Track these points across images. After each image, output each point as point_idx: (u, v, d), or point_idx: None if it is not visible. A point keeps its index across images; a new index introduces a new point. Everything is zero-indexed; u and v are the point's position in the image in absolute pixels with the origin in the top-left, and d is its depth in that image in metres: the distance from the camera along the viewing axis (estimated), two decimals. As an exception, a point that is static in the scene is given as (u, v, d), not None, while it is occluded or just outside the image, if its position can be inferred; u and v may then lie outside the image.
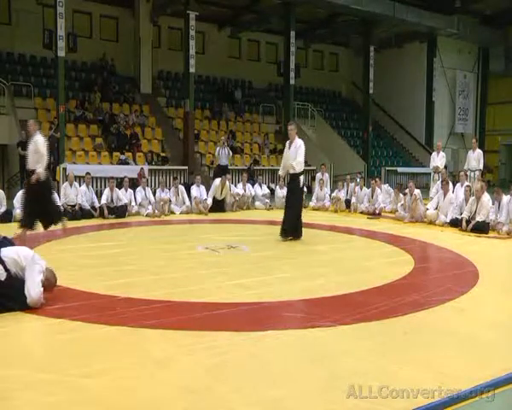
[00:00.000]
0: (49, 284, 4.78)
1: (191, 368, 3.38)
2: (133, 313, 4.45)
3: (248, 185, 14.33)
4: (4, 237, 7.27)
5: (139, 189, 12.63)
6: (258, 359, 3.54)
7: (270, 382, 3.19)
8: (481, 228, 9.69)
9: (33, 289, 4.44)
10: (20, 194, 11.24)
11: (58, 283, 5.40)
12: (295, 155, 8.55)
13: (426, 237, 9.22)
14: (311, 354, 3.66)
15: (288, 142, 8.89)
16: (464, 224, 9.99)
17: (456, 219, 10.49)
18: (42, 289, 4.54)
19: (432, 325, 4.33)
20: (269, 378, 3.24)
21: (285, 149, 8.97)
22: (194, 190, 12.99)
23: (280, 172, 9.29)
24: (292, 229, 8.57)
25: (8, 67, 18.41)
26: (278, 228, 8.74)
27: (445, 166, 14.75)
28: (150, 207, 12.21)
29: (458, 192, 11.76)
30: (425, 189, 15.84)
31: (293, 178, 8.67)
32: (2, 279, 4.41)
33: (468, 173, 13.86)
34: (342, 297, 5.16)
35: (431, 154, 15.66)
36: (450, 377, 3.24)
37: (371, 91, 22.03)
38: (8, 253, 4.60)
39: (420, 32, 23.30)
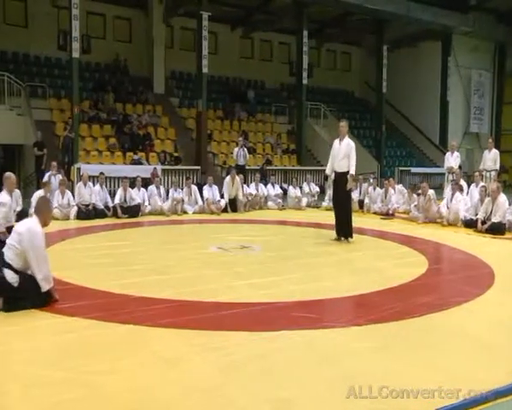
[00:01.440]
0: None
1: (202, 368, 3.39)
2: (145, 313, 4.47)
3: (261, 185, 14.33)
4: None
5: (152, 187, 12.72)
6: (270, 359, 3.53)
7: (281, 382, 3.18)
8: (497, 229, 9.57)
9: (39, 272, 4.49)
10: (36, 194, 11.39)
11: (72, 281, 5.47)
12: (345, 154, 8.40)
13: (440, 238, 9.14)
14: (322, 355, 3.64)
15: (337, 139, 8.72)
16: (480, 224, 9.87)
17: (471, 219, 10.38)
18: (48, 265, 4.61)
19: (445, 327, 4.28)
20: (279, 379, 3.23)
21: (333, 146, 8.76)
22: (206, 190, 13.02)
23: (327, 171, 8.95)
24: (345, 228, 8.52)
25: (24, 68, 18.63)
26: (290, 228, 8.73)
27: (460, 167, 14.58)
28: (165, 204, 12.39)
29: (473, 193, 11.64)
30: (439, 189, 15.68)
31: (341, 177, 8.51)
32: (16, 285, 4.45)
33: (483, 174, 13.69)
34: (354, 298, 5.13)
35: (445, 154, 15.50)
36: (464, 380, 3.19)
37: (384, 91, 21.89)
38: (8, 253, 4.57)
39: (434, 30, 23.05)
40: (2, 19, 18.77)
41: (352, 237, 8.57)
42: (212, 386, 3.11)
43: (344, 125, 8.68)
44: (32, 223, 4.66)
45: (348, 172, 8.40)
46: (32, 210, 4.63)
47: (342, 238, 8.53)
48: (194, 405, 2.89)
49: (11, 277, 4.44)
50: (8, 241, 4.66)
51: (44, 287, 4.55)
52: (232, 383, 3.17)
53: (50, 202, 4.90)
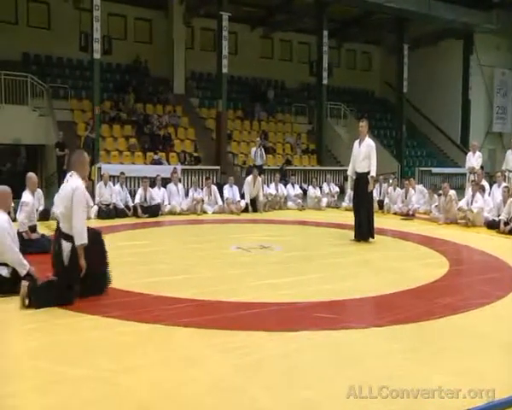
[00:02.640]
0: None
1: (223, 367, 3.40)
2: (165, 312, 4.50)
3: (281, 185, 14.31)
4: (43, 235, 7.52)
5: (170, 185, 12.83)
6: (289, 359, 3.53)
7: (300, 383, 3.17)
8: (520, 230, 9.41)
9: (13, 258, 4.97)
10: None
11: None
12: (365, 155, 8.31)
13: (461, 239, 9.01)
14: (343, 356, 3.62)
15: (357, 140, 8.64)
16: (502, 226, 9.71)
17: (494, 220, 10.21)
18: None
19: (467, 329, 4.22)
20: (299, 379, 3.22)
21: (354, 147, 8.67)
22: (226, 190, 13.06)
23: (348, 172, 8.91)
24: (366, 229, 8.44)
25: (47, 69, 18.92)
26: (311, 229, 8.71)
27: (482, 167, 14.35)
28: (183, 202, 12.48)
29: (495, 193, 11.45)
30: (460, 190, 15.47)
31: (362, 177, 8.43)
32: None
33: (506, 174, 13.45)
34: (375, 299, 5.09)
35: (466, 154, 15.27)
36: (487, 382, 3.13)
37: (405, 90, 21.66)
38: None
39: (456, 28, 22.72)
40: (26, 21, 19.10)
41: (373, 237, 8.50)
42: (233, 385, 3.12)
43: (364, 125, 8.58)
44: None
45: (369, 172, 8.33)
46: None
47: (361, 240, 8.43)
48: (215, 404, 2.90)
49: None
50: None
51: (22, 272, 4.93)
52: (253, 382, 3.17)
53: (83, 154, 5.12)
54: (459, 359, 3.58)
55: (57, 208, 4.95)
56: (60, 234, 4.80)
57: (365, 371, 3.32)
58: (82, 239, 4.71)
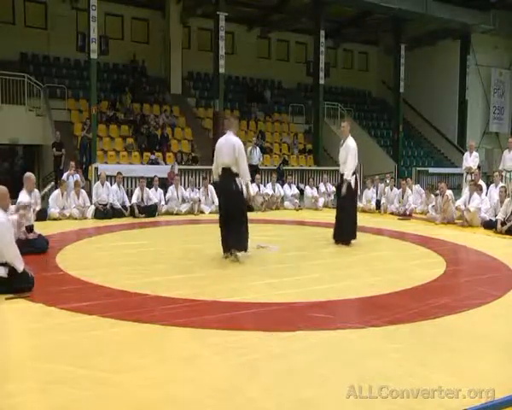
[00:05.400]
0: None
1: (220, 367, 3.39)
2: (162, 312, 4.50)
3: (277, 185, 14.32)
4: (39, 235, 7.50)
5: (172, 188, 12.80)
6: (287, 359, 3.53)
7: (299, 383, 3.17)
8: (517, 230, 9.43)
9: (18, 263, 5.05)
10: (55, 193, 11.55)
11: (90, 280, 5.54)
12: (344, 156, 8.10)
13: (458, 239, 9.02)
14: (340, 356, 3.63)
15: (342, 140, 8.43)
16: (499, 226, 9.73)
17: (491, 220, 10.23)
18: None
19: (463, 329, 4.22)
20: (297, 379, 3.22)
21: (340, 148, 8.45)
22: (223, 190, 13.04)
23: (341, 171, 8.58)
24: (348, 233, 8.19)
25: (44, 69, 18.89)
26: (308, 228, 8.71)
27: (479, 167, 14.39)
28: (184, 205, 12.49)
29: (492, 193, 11.47)
30: (457, 190, 15.51)
31: (343, 180, 8.18)
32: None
33: (503, 174, 13.48)
34: (372, 299, 5.09)
35: (463, 154, 15.31)
36: (483, 381, 3.14)
37: (402, 90, 21.69)
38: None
39: (453, 28, 22.76)
40: (23, 21, 19.05)
41: (355, 238, 8.25)
42: (230, 386, 3.11)
43: (345, 125, 8.38)
44: None
45: (352, 174, 8.08)
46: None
47: (339, 243, 8.16)
48: (213, 404, 2.89)
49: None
50: None
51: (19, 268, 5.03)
52: (251, 382, 3.17)
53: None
54: (457, 359, 3.58)
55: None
56: None
57: (365, 371, 3.32)
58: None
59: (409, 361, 3.51)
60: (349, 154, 8.04)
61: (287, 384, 3.14)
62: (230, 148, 6.83)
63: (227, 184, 6.87)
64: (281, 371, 3.32)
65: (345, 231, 8.20)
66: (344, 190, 8.10)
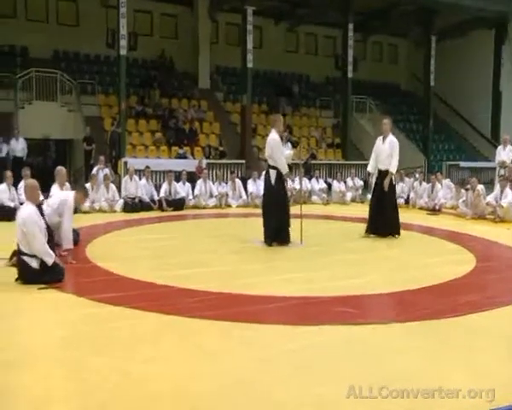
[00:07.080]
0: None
1: (240, 360, 3.42)
2: (186, 304, 4.56)
3: (305, 180, 14.26)
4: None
5: (200, 182, 12.90)
6: (307, 353, 3.53)
7: (318, 377, 3.17)
8: (550, 226, 9.17)
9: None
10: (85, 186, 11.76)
11: (117, 272, 5.65)
12: (389, 152, 8.31)
13: (489, 235, 8.81)
14: (361, 352, 3.61)
15: (380, 137, 8.62)
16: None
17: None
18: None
19: (488, 327, 4.13)
20: (316, 374, 3.22)
21: (376, 144, 8.64)
22: (250, 184, 13.10)
23: (369, 168, 8.83)
24: (397, 226, 8.44)
25: (75, 66, 19.26)
26: (334, 223, 8.66)
27: (512, 161, 14.00)
28: (211, 199, 12.57)
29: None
30: (489, 184, 15.14)
31: (384, 175, 8.35)
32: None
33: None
34: (396, 295, 5.04)
35: (496, 147, 14.93)
36: (503, 383, 3.09)
37: (432, 83, 21.23)
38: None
39: (487, 17, 22.05)
40: (55, 19, 19.48)
41: (399, 233, 8.42)
42: (249, 379, 3.14)
43: (387, 122, 8.57)
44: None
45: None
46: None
47: (372, 234, 8.38)
48: (232, 396, 2.92)
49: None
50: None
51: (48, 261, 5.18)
52: (270, 376, 3.18)
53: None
54: (474, 358, 3.50)
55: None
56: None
57: (381, 368, 3.29)
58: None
59: (428, 359, 3.45)
60: (395, 149, 8.36)
61: (306, 379, 3.14)
62: (267, 144, 7.78)
63: (266, 177, 7.85)
64: (300, 366, 3.33)
65: (394, 225, 8.43)
66: (387, 183, 8.31)
